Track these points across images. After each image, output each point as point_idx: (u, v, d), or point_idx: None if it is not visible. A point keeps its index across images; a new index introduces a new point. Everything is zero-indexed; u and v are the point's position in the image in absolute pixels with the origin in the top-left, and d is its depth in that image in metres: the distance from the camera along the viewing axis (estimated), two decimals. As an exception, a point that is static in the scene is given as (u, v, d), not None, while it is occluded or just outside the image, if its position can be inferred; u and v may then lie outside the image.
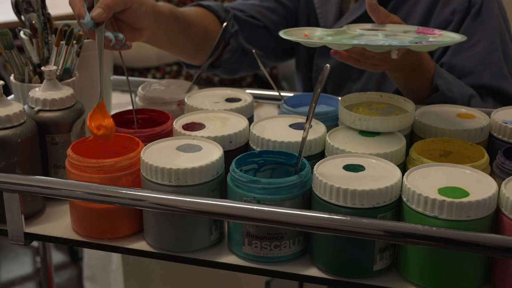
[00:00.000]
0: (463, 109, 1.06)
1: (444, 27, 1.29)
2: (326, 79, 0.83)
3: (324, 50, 1.43)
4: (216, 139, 0.94)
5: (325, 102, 1.12)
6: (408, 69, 1.11)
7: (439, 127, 0.98)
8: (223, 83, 2.21)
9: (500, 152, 0.89)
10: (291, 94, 1.16)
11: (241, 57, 1.39)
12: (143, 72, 2.16)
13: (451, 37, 1.00)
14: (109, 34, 0.99)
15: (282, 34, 1.02)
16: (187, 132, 0.97)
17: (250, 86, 2.29)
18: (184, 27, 1.23)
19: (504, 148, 0.90)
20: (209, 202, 0.82)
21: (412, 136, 1.02)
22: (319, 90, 0.84)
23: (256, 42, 1.42)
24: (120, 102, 1.51)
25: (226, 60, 1.36)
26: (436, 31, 1.04)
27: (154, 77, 2.15)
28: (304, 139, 0.86)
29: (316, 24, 1.44)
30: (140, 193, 0.84)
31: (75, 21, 1.25)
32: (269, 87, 2.37)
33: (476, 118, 1.02)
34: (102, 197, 0.85)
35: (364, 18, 1.35)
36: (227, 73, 1.41)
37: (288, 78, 2.61)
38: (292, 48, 1.54)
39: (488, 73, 1.24)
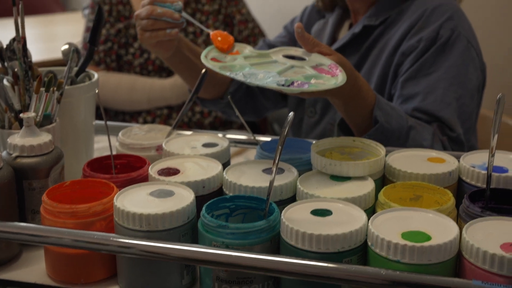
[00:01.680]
0: (434, 153, 1.08)
1: (408, 53, 1.35)
2: (316, 102, 0.84)
3: None
4: (189, 184, 0.96)
5: (301, 146, 1.14)
6: (346, 96, 1.14)
7: (408, 171, 1.00)
8: (213, 126, 2.23)
9: (466, 196, 0.91)
10: (268, 139, 1.18)
11: (246, 98, 1.49)
12: (134, 115, 2.19)
13: (334, 83, 1.04)
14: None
15: (203, 58, 1.10)
16: (161, 178, 0.99)
17: (240, 128, 2.31)
18: (196, 61, 1.37)
19: (469, 192, 0.92)
20: (177, 247, 0.83)
21: (384, 180, 1.04)
22: (285, 134, 0.86)
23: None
24: (104, 145, 1.53)
25: (233, 92, 1.47)
26: (338, 70, 1.07)
27: (145, 121, 2.18)
28: (271, 183, 0.88)
29: None
30: (111, 239, 0.86)
31: (58, 68, 1.29)
32: (260, 131, 2.41)
33: (446, 162, 1.04)
34: (74, 242, 0.87)
35: (349, 44, 1.43)
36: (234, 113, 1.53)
37: (279, 120, 2.63)
38: None
39: (432, 99, 1.29)
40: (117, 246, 0.84)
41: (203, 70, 1.21)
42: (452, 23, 1.35)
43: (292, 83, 1.02)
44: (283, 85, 1.01)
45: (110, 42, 2.20)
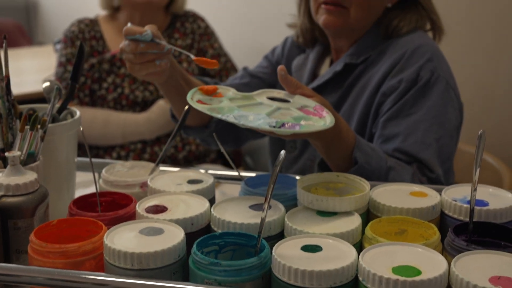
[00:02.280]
0: (416, 188, 1.10)
1: (389, 94, 1.38)
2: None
3: None
4: (178, 221, 0.96)
5: (284, 182, 1.16)
6: (328, 138, 1.17)
7: (393, 206, 1.02)
8: (187, 160, 2.24)
9: (450, 230, 0.93)
10: (252, 174, 1.19)
11: (228, 129, 1.52)
12: (108, 150, 2.19)
13: (323, 124, 1.07)
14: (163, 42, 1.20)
15: (190, 100, 1.12)
16: (149, 215, 0.99)
17: (214, 162, 2.32)
18: (186, 85, 1.38)
19: (454, 225, 0.94)
20: (170, 285, 0.83)
21: (369, 214, 1.06)
22: (277, 172, 0.87)
23: None
24: (84, 180, 1.52)
25: (217, 122, 1.48)
26: (325, 112, 1.11)
27: (118, 155, 2.17)
28: (263, 220, 0.89)
29: None
30: (102, 278, 0.85)
31: (39, 105, 1.29)
32: (234, 164, 2.42)
33: (428, 196, 1.07)
34: (64, 282, 0.86)
35: (330, 82, 1.47)
36: (215, 143, 1.53)
37: (252, 154, 2.65)
38: None
39: (412, 140, 1.32)
40: (111, 286, 0.84)
41: (186, 107, 1.22)
42: (432, 64, 1.38)
43: (283, 124, 1.04)
44: (274, 127, 1.03)
45: (84, 77, 2.20)
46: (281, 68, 1.13)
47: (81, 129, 1.13)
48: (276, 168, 0.87)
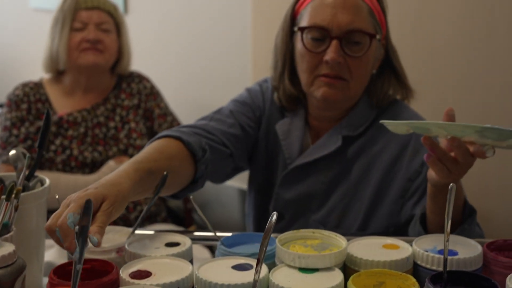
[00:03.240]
0: (388, 240, 1.15)
1: (415, 178, 1.42)
2: (286, 209, 0.86)
3: (286, 181, 1.51)
4: (165, 286, 0.97)
5: (257, 240, 1.18)
6: (459, 183, 1.22)
7: (370, 259, 1.06)
8: (147, 218, 2.23)
9: (427, 280, 0.98)
10: (228, 234, 1.21)
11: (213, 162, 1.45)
12: (57, 213, 2.15)
13: None
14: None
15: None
16: (135, 281, 0.99)
17: (164, 221, 2.32)
18: (149, 182, 1.21)
19: (430, 275, 0.99)
20: None
21: (345, 268, 1.09)
22: (270, 234, 0.90)
23: (215, 166, 1.45)
24: (52, 249, 1.50)
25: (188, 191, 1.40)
26: None
27: (69, 218, 2.14)
28: (255, 281, 0.91)
29: (275, 153, 1.55)
30: None
31: (3, 174, 1.27)
32: (184, 223, 2.42)
33: (400, 248, 1.12)
34: None
35: (330, 156, 1.48)
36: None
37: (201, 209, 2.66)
38: (239, 168, 1.59)
39: None
40: None
41: (165, 172, 1.23)
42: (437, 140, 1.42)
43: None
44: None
45: (30, 140, 2.18)
46: (450, 109, 1.17)
47: (57, 196, 1.12)
48: (269, 231, 0.89)
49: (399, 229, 1.43)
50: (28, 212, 1.19)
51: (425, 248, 1.10)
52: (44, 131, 1.28)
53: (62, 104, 2.26)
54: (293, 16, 1.49)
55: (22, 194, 1.16)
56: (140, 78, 2.37)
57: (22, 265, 1.03)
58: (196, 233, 1.33)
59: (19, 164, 1.25)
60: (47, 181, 1.25)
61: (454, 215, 1.26)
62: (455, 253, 1.08)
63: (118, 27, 2.29)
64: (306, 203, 1.50)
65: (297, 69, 1.50)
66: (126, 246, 1.13)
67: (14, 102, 2.22)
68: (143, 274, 1.02)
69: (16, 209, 1.11)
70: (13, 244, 1.11)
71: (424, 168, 1.41)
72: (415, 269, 1.10)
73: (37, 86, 2.28)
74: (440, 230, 1.27)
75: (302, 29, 1.44)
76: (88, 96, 2.29)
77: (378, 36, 1.44)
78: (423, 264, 1.08)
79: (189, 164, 1.35)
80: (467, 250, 1.09)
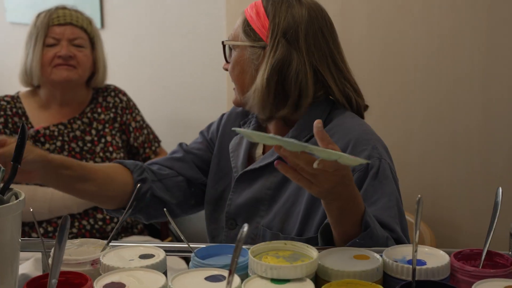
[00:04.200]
0: (357, 251, 1.17)
1: None
2: (238, 214, 0.89)
3: (237, 187, 1.57)
4: (138, 297, 0.99)
5: (230, 251, 1.20)
6: (343, 199, 1.22)
7: (340, 270, 1.08)
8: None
9: (397, 289, 1.00)
10: (202, 245, 1.23)
11: (157, 205, 1.56)
12: (33, 226, 2.15)
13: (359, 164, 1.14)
14: None
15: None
16: (109, 293, 1.00)
17: (141, 233, 2.33)
18: (81, 174, 1.49)
19: (400, 285, 1.02)
20: None
21: (317, 279, 1.11)
22: (241, 246, 0.92)
23: (168, 190, 1.62)
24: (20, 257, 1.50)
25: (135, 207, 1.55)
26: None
27: (46, 231, 2.14)
28: (227, 292, 0.93)
29: (227, 168, 1.62)
30: None
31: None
32: (161, 234, 2.43)
33: (371, 258, 1.14)
34: None
35: (273, 169, 1.46)
36: (145, 218, 1.62)
37: (176, 222, 2.67)
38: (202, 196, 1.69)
39: (382, 225, 1.36)
40: None
41: (138, 185, 1.25)
42: (377, 151, 1.44)
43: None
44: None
45: (6, 153, 2.17)
46: (318, 121, 1.16)
47: (31, 209, 1.13)
48: (240, 243, 0.91)
49: None
50: (2, 225, 1.20)
51: (395, 258, 1.12)
52: (19, 145, 1.29)
53: (38, 118, 2.27)
54: None
55: (-4, 207, 1.17)
56: (116, 92, 2.39)
57: (-5, 278, 1.04)
58: (170, 245, 1.35)
59: (-6, 178, 1.25)
60: (23, 195, 1.26)
61: (349, 230, 1.28)
62: (424, 263, 1.11)
63: (92, 42, 2.30)
64: (255, 208, 1.54)
65: None
66: (101, 258, 1.14)
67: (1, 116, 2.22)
68: (116, 286, 1.03)
69: (-11, 222, 1.12)
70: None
71: (355, 173, 1.42)
72: (385, 279, 1.12)
73: (14, 99, 2.28)
74: (339, 242, 1.30)
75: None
76: (64, 110, 2.30)
77: (250, 43, 1.51)
78: (393, 274, 1.10)
79: (126, 175, 1.56)
80: (435, 260, 1.12)
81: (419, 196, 1.03)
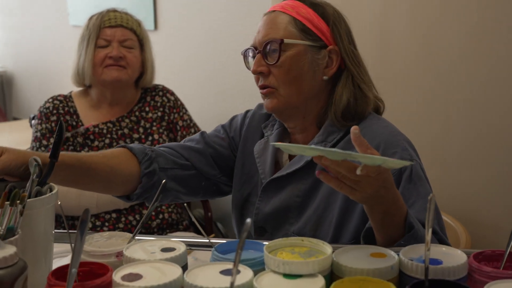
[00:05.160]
0: (375, 249, 1.17)
1: None
2: (267, 222, 0.90)
3: (264, 195, 1.57)
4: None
5: (252, 247, 1.22)
6: (386, 203, 1.23)
7: (354, 267, 1.09)
8: (160, 228, 2.29)
9: (408, 287, 1.00)
10: (223, 241, 1.25)
11: (165, 192, 1.57)
12: (82, 221, 2.23)
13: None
14: None
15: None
16: (125, 283, 1.04)
17: (187, 229, 2.38)
18: (80, 173, 1.49)
19: (411, 283, 1.02)
20: None
21: (332, 276, 1.12)
22: (244, 237, 0.94)
23: (181, 178, 1.63)
24: (61, 250, 1.57)
25: (138, 195, 1.56)
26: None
27: (94, 225, 2.22)
28: (232, 284, 0.95)
29: (252, 172, 1.63)
30: None
31: (21, 182, 1.35)
32: (205, 230, 2.48)
33: (387, 256, 1.14)
34: None
35: (303, 170, 1.51)
36: (149, 202, 1.62)
37: (222, 220, 2.71)
38: (224, 191, 1.70)
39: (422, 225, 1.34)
40: None
41: (163, 181, 1.29)
42: (407, 153, 1.44)
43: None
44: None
45: (58, 150, 2.27)
46: (355, 127, 1.16)
47: (59, 202, 1.19)
48: (243, 235, 0.93)
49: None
50: (35, 217, 1.26)
51: (411, 257, 1.12)
52: (56, 141, 1.35)
53: (89, 116, 2.35)
54: None
55: (30, 200, 1.23)
56: (164, 92, 2.45)
57: (23, 267, 1.09)
58: (193, 240, 1.38)
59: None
60: (56, 188, 1.32)
61: (393, 233, 1.28)
62: (439, 262, 1.10)
63: (141, 43, 2.37)
64: (284, 216, 1.55)
65: None
66: (124, 251, 1.18)
67: (44, 114, 2.32)
68: (133, 277, 1.07)
69: (21, 214, 1.18)
70: (21, 247, 1.18)
71: None
72: (401, 277, 1.12)
73: (66, 99, 2.38)
74: (384, 245, 1.27)
75: (243, 53, 1.58)
76: (113, 109, 2.38)
77: (292, 41, 1.48)
78: (408, 273, 1.10)
79: (133, 165, 1.57)
80: (452, 259, 1.11)
81: (431, 194, 1.03)
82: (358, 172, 1.11)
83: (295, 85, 1.50)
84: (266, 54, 1.50)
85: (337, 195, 1.49)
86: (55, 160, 1.35)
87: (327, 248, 1.13)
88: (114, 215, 2.24)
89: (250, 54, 1.56)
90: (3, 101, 5.13)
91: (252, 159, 1.63)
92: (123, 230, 2.20)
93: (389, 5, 2.19)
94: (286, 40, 1.48)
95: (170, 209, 2.35)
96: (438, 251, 1.15)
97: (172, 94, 2.47)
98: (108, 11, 2.37)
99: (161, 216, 2.28)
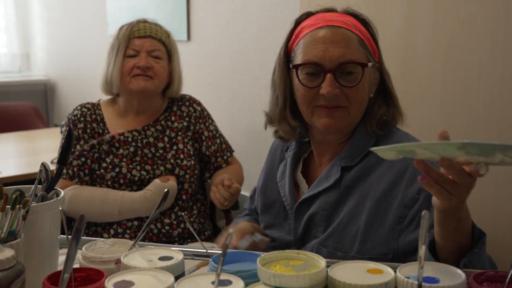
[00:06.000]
0: (372, 265, 1.15)
1: (411, 205, 1.42)
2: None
3: (298, 215, 1.61)
4: (141, 296, 1.02)
5: (250, 259, 1.21)
6: (463, 210, 1.21)
7: (347, 282, 1.07)
8: (181, 237, 2.30)
9: (399, 306, 0.98)
10: (219, 252, 1.25)
11: None
12: (106, 227, 2.26)
13: None
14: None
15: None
16: (115, 290, 1.05)
17: (209, 239, 2.38)
18: None
19: (402, 301, 0.99)
20: None
21: (327, 291, 1.11)
22: (225, 251, 0.94)
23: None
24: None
25: None
26: None
27: (116, 232, 2.24)
28: (214, 294, 0.95)
29: (274, 195, 1.69)
30: None
31: (28, 186, 1.37)
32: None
33: (384, 273, 1.12)
34: None
35: (328, 190, 1.53)
36: None
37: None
38: None
39: None
40: None
41: (166, 190, 1.30)
42: None
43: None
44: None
45: (84, 157, 2.31)
46: (443, 131, 1.12)
47: (60, 208, 1.20)
48: (225, 247, 0.93)
49: (397, 257, 1.42)
50: (40, 221, 1.28)
51: (409, 275, 1.09)
52: (64, 148, 1.38)
53: (115, 125, 2.38)
54: (287, 53, 1.58)
55: (35, 204, 1.25)
56: (191, 102, 2.46)
57: (20, 270, 1.11)
58: (191, 249, 1.38)
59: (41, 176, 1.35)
60: (62, 194, 1.34)
61: (463, 240, 1.25)
62: (436, 281, 1.07)
63: (169, 54, 2.40)
64: (313, 229, 1.57)
65: (297, 102, 1.57)
66: (122, 258, 1.19)
67: (72, 121, 2.36)
68: (125, 284, 1.08)
69: (24, 218, 1.20)
70: (23, 251, 1.21)
71: (421, 195, 1.40)
72: (397, 295, 1.09)
73: (94, 107, 2.41)
74: (451, 255, 1.26)
75: (296, 67, 1.51)
76: (140, 118, 2.40)
77: (370, 63, 1.49)
78: (403, 290, 1.07)
79: None
80: (450, 278, 1.08)
81: (424, 211, 1.00)
82: (482, 171, 1.09)
83: (362, 104, 1.52)
84: (342, 75, 1.47)
85: (362, 208, 1.48)
86: (63, 165, 1.37)
87: (321, 262, 1.11)
88: (136, 222, 2.26)
89: (311, 71, 1.49)
90: (46, 109, 5.27)
91: (273, 184, 1.70)
92: (144, 238, 2.22)
93: (412, 21, 2.17)
94: (369, 64, 1.49)
95: (192, 219, 2.36)
96: (436, 269, 1.12)
97: (199, 104, 2.48)
98: (138, 21, 2.41)
99: (182, 225, 2.29)
